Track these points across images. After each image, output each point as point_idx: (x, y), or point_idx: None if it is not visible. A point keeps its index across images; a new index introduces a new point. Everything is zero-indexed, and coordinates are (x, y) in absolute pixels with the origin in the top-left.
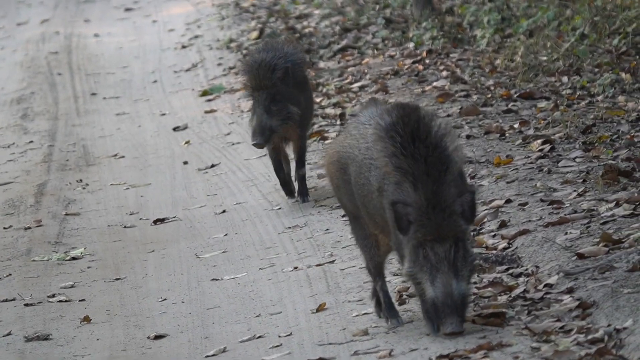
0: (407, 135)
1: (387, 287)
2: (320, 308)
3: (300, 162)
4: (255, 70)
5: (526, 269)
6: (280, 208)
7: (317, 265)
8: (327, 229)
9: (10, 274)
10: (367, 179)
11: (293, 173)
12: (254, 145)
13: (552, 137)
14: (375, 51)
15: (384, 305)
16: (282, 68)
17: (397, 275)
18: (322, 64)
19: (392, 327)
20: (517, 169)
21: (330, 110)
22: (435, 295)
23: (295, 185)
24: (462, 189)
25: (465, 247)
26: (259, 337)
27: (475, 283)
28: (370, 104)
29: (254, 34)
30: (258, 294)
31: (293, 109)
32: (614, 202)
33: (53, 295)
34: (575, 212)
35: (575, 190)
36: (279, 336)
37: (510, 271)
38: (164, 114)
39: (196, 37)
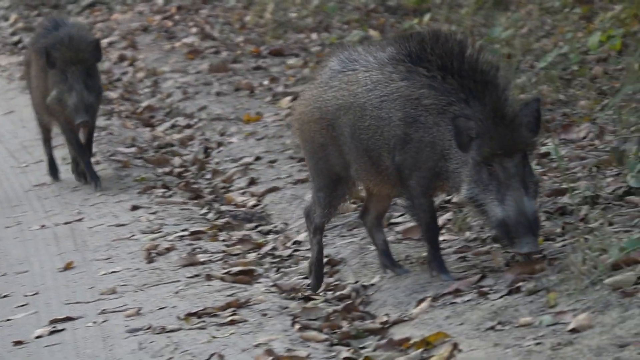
0: (439, 57)
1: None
2: (68, 266)
3: (89, 147)
4: (68, 43)
5: (275, 226)
6: (27, 166)
7: (65, 224)
8: (75, 187)
9: None
10: (379, 117)
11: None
12: (80, 124)
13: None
14: (124, 7)
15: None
16: (93, 41)
17: (145, 233)
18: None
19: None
20: (266, 126)
21: None
22: (506, 215)
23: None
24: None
25: (529, 163)
26: (5, 296)
27: (224, 241)
28: (337, 51)
29: None
30: (4, 252)
31: (101, 85)
32: None
33: None
34: None
35: None
36: (25, 295)
37: (260, 228)
38: None
39: None
